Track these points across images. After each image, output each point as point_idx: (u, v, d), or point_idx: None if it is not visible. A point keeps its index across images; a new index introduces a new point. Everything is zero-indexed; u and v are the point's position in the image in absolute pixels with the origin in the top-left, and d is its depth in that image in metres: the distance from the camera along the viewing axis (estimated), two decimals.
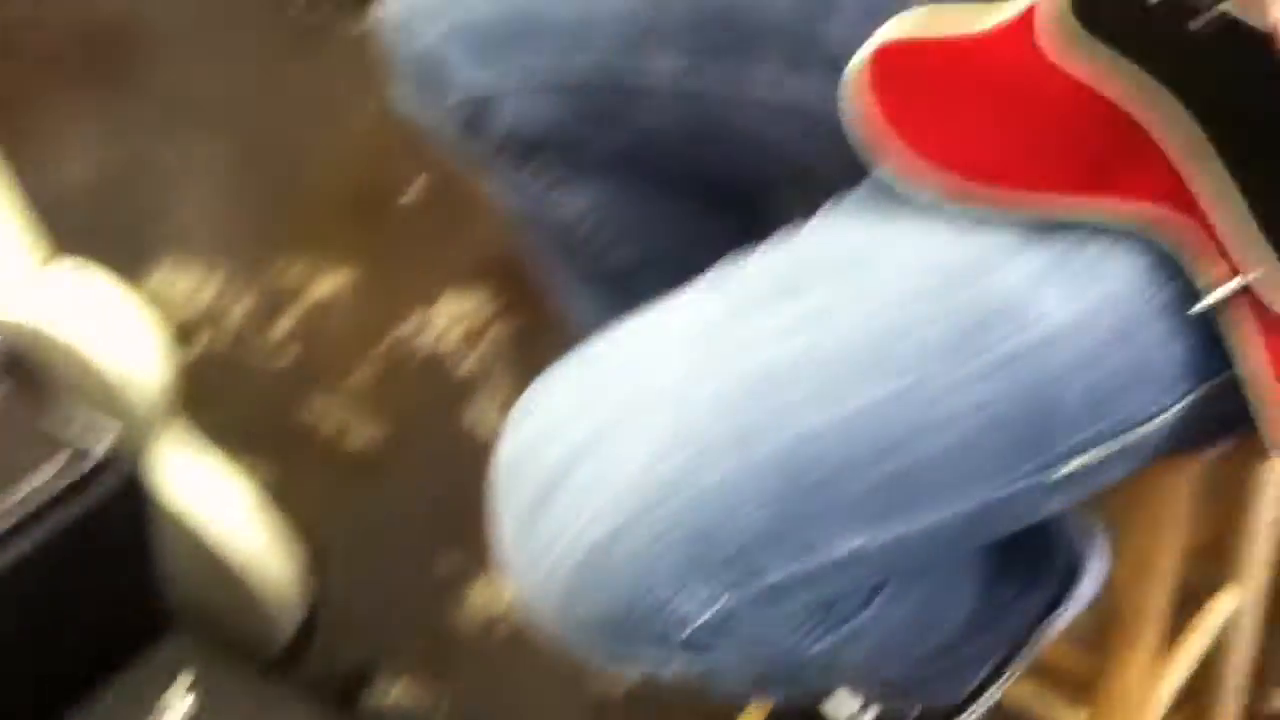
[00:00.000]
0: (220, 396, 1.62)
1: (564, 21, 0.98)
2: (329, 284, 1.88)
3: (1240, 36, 0.65)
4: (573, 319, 1.16)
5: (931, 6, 0.73)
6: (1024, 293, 0.72)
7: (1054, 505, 0.78)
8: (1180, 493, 0.97)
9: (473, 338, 1.81)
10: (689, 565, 0.67)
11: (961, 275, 0.72)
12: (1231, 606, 1.18)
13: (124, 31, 2.31)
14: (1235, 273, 0.70)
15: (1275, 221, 0.69)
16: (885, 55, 0.72)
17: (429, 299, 1.86)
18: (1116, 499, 0.99)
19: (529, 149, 1.05)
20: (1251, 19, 0.65)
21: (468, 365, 1.78)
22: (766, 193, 1.06)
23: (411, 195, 2.04)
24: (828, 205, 0.79)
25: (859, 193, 0.79)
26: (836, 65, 0.78)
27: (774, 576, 0.69)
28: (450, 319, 1.84)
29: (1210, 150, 0.68)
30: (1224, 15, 0.66)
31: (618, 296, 1.10)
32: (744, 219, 1.05)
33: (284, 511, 1.45)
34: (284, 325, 1.82)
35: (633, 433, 0.68)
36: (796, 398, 0.68)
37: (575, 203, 1.08)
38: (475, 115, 1.03)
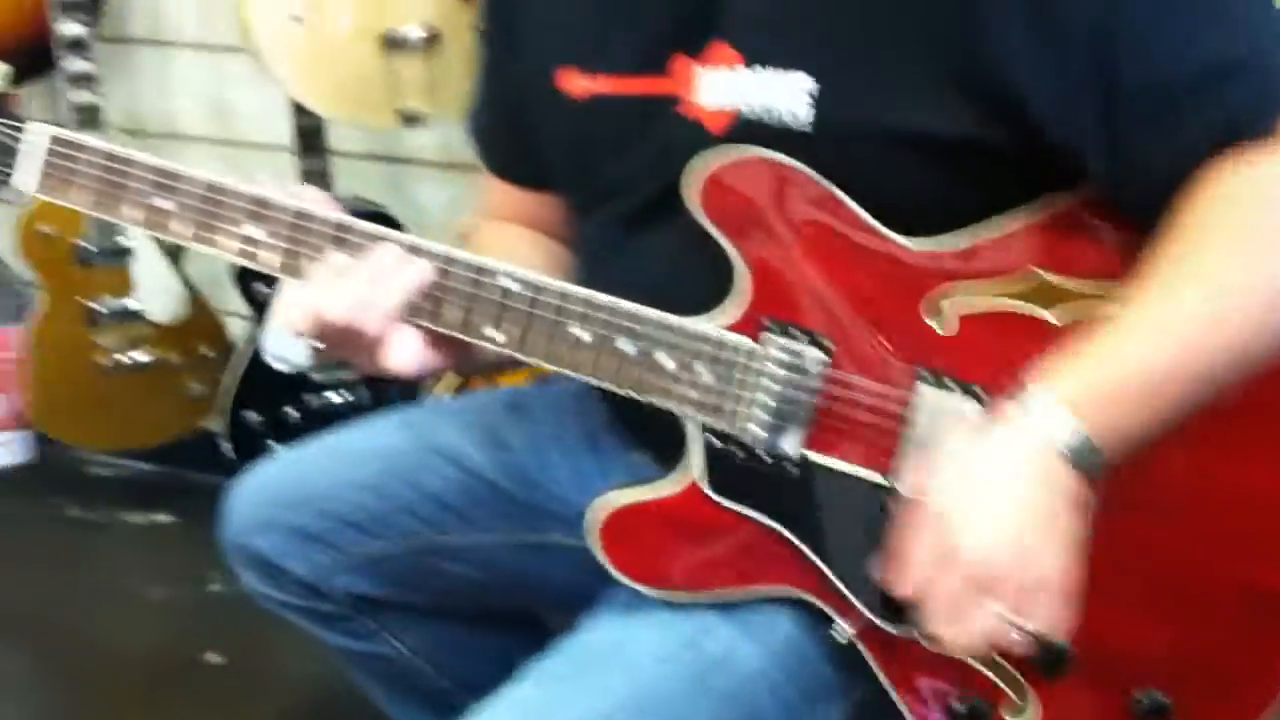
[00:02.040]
0: None
1: (379, 516, 1.36)
2: None
3: (819, 472, 1.08)
4: None
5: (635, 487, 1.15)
6: (727, 651, 1.11)
7: None
8: None
9: None
10: None
11: (686, 645, 1.11)
12: None
13: None
14: (854, 617, 1.10)
15: (857, 590, 1.10)
16: (608, 517, 1.13)
17: None
18: None
19: (357, 609, 1.40)
20: (829, 460, 1.08)
21: None
22: (542, 616, 1.45)
23: (212, 662, 2.30)
24: (593, 609, 1.18)
25: (610, 597, 1.17)
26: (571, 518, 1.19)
27: None
28: None
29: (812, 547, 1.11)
30: (807, 459, 1.09)
31: (438, 711, 1.44)
32: (529, 638, 1.42)
33: None
34: None
35: None
36: None
37: (396, 645, 1.43)
38: (312, 591, 1.38)
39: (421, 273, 1.10)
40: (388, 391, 2.38)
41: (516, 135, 1.31)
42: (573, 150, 1.24)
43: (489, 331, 1.10)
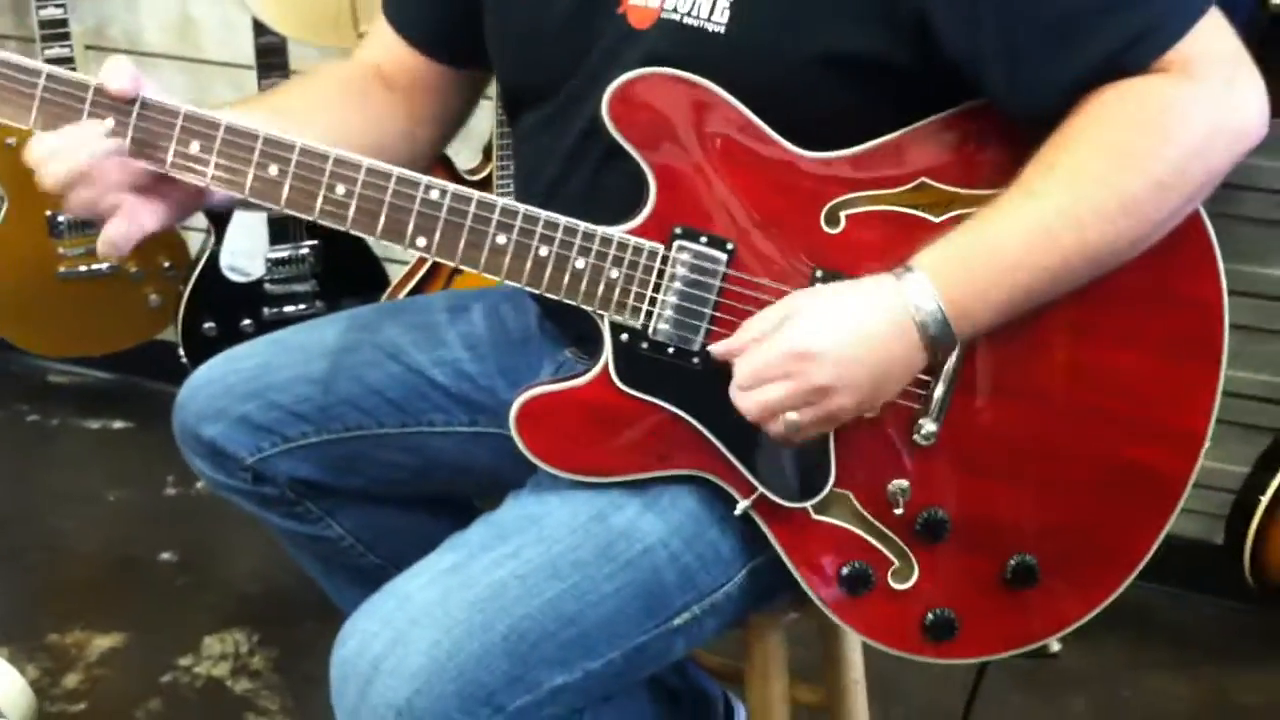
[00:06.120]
0: None
1: (323, 407, 1.45)
2: (106, 641, 2.20)
3: (719, 364, 1.18)
4: (343, 607, 1.58)
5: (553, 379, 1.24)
6: (631, 523, 1.22)
7: (680, 647, 1.26)
8: (778, 649, 1.45)
9: (240, 666, 2.17)
10: (461, 703, 1.11)
11: (594, 518, 1.21)
12: None
13: None
14: (750, 493, 1.21)
15: (753, 469, 1.21)
16: (527, 407, 1.22)
17: (197, 638, 2.21)
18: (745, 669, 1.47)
19: (299, 493, 1.49)
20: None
21: (241, 686, 2.13)
22: (472, 497, 1.55)
23: (165, 559, 2.40)
24: (514, 491, 1.28)
25: (533, 479, 1.28)
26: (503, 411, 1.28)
27: (517, 704, 1.14)
28: (219, 653, 2.19)
29: (713, 432, 1.21)
30: (709, 353, 1.19)
31: (373, 588, 1.54)
32: (459, 520, 1.52)
33: None
34: (70, 681, 2.12)
35: (415, 637, 1.12)
36: (511, 599, 1.15)
37: (336, 527, 1.53)
38: (257, 476, 1.48)
39: (106, 148, 1.17)
40: (342, 304, 2.47)
41: (446, 7, 1.39)
42: (519, 39, 1.33)
43: (420, 240, 1.19)
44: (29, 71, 1.17)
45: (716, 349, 1.17)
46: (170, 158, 1.19)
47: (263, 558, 2.34)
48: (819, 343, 1.11)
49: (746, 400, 1.14)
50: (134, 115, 1.18)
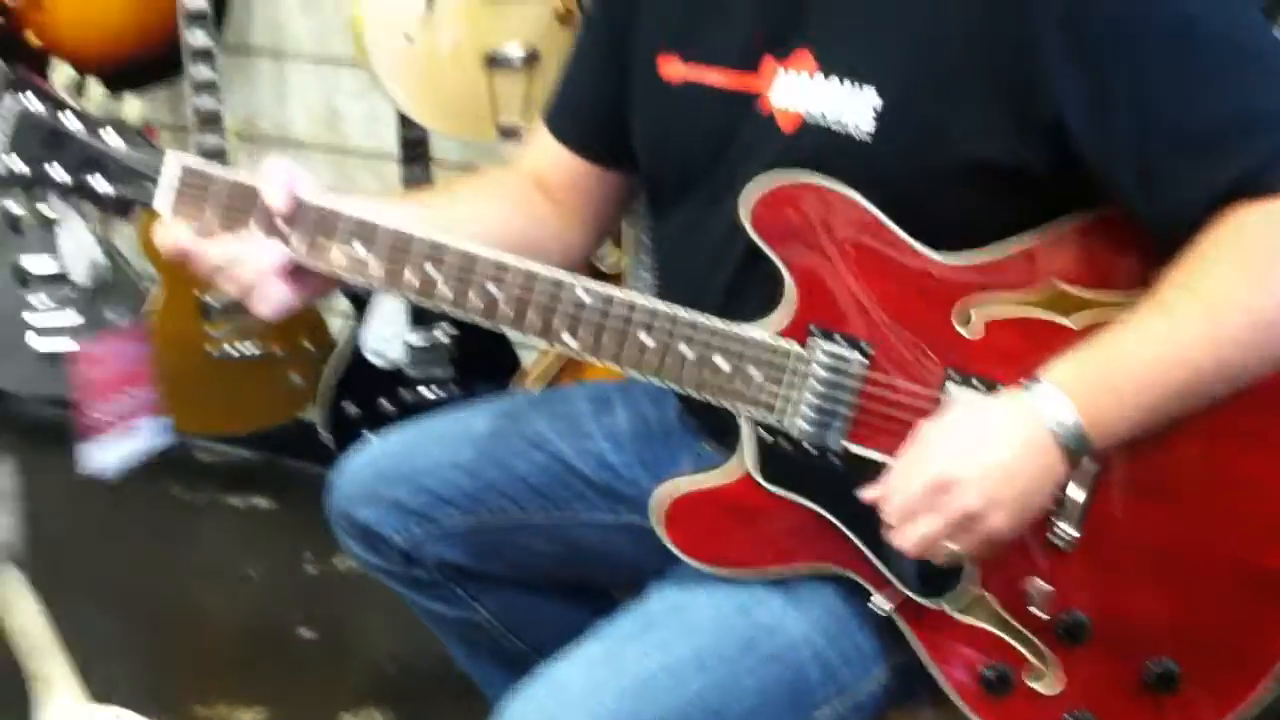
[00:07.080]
0: None
1: (471, 493, 1.50)
2: (248, 715, 2.24)
3: (859, 463, 1.21)
4: (484, 690, 1.62)
5: (695, 475, 1.28)
6: (775, 618, 1.24)
7: None
8: None
9: None
10: None
11: (738, 611, 1.24)
12: None
13: None
14: (889, 590, 1.23)
15: (894, 568, 1.23)
16: (671, 502, 1.26)
17: (335, 715, 2.24)
18: None
19: (447, 577, 1.54)
20: (868, 452, 1.21)
21: None
22: (612, 587, 1.58)
23: (304, 635, 2.46)
24: (656, 581, 1.31)
25: (676, 571, 1.31)
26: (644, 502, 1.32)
27: None
28: None
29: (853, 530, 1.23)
30: (849, 451, 1.22)
31: (514, 671, 1.58)
32: (598, 608, 1.56)
33: None
34: None
35: None
36: (659, 690, 1.18)
37: (481, 611, 1.57)
38: (408, 559, 1.53)
39: (275, 255, 1.25)
40: (477, 387, 2.53)
41: (602, 110, 1.44)
42: (663, 135, 1.37)
43: (566, 338, 1.24)
44: (205, 178, 1.25)
45: (867, 495, 1.20)
46: (341, 260, 1.25)
47: (400, 637, 2.39)
48: (958, 470, 1.13)
49: (901, 540, 1.16)
50: (307, 225, 1.25)
